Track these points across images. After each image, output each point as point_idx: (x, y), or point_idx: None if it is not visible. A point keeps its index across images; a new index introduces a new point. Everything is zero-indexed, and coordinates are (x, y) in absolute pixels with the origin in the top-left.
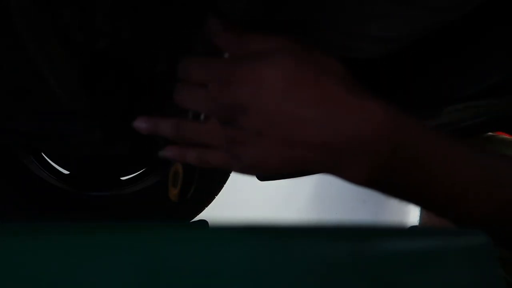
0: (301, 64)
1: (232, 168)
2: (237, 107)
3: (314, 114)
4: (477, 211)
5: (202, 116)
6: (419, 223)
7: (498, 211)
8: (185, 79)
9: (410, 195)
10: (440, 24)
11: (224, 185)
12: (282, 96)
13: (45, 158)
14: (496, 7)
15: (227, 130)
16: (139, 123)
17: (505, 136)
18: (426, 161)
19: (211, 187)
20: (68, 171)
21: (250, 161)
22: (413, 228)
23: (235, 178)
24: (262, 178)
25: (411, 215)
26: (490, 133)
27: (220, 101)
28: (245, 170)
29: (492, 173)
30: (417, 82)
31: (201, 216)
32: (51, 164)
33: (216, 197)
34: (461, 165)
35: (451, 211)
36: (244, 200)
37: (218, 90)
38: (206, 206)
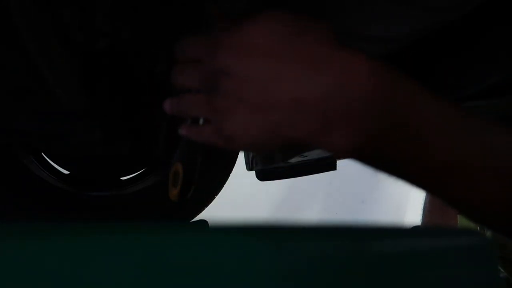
0: (282, 24)
1: (218, 143)
2: (219, 71)
3: (291, 71)
4: (480, 190)
5: (201, 121)
6: (421, 223)
7: (505, 190)
8: (181, 59)
9: (401, 168)
10: (440, 24)
11: (224, 185)
12: (263, 57)
13: (45, 158)
14: (496, 7)
15: (210, 98)
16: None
17: None
18: (421, 125)
19: (211, 187)
20: (68, 171)
21: (230, 132)
22: (415, 228)
23: (235, 178)
24: (262, 178)
25: (411, 215)
26: None
27: (206, 69)
28: (227, 143)
29: (498, 144)
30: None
31: (201, 216)
32: (51, 164)
33: (216, 197)
34: (463, 133)
35: (448, 190)
36: (244, 200)
37: (206, 60)
38: (206, 206)
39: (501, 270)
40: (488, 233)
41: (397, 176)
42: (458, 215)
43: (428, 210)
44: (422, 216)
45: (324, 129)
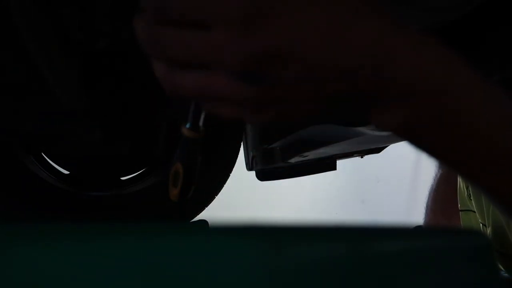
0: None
1: (250, 121)
2: (266, 54)
3: (365, 54)
4: None
5: (200, 123)
6: (424, 223)
7: None
8: (156, 12)
9: (445, 149)
10: (440, 24)
11: (224, 185)
12: (327, 35)
13: (45, 158)
14: (496, 7)
15: (248, 87)
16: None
17: None
18: (476, 110)
19: (211, 187)
20: (68, 171)
21: (277, 116)
22: (416, 228)
23: (235, 178)
24: (262, 178)
25: (411, 215)
26: None
27: (239, 48)
28: (283, 117)
29: None
30: None
31: (201, 216)
32: (51, 164)
33: (216, 197)
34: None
35: (494, 171)
36: (244, 200)
37: (235, 35)
38: (206, 206)
39: (500, 267)
40: (489, 231)
41: (443, 158)
42: (461, 215)
43: (430, 209)
44: (425, 216)
45: (378, 104)
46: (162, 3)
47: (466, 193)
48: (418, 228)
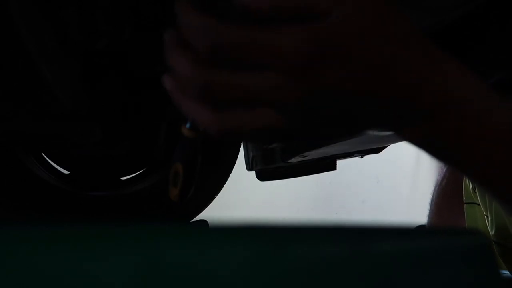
0: (383, 22)
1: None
2: (335, 51)
3: (408, 74)
4: None
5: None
6: (428, 223)
7: None
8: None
9: (464, 159)
10: (440, 24)
11: (224, 185)
12: (383, 39)
13: (45, 158)
14: (496, 7)
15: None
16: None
17: None
18: (493, 124)
19: (211, 187)
20: (68, 171)
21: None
22: (420, 227)
23: (235, 178)
24: (262, 178)
25: (411, 215)
26: None
27: (301, 90)
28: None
29: None
30: None
31: (201, 216)
32: (51, 164)
33: (216, 197)
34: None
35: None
36: (244, 200)
37: (300, 78)
38: (206, 206)
39: (502, 266)
40: (493, 232)
41: (461, 167)
42: (466, 208)
43: (435, 204)
44: (429, 211)
45: (405, 119)
46: (215, 41)
47: (471, 186)
48: (420, 228)
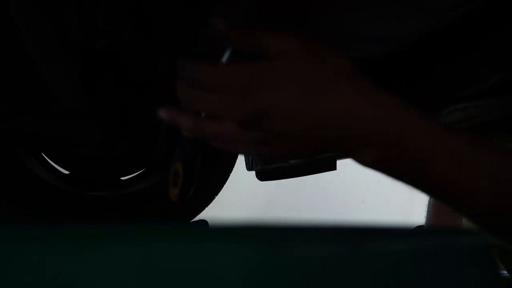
0: (314, 67)
1: (254, 157)
2: (257, 113)
3: (331, 115)
4: (473, 203)
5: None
6: (426, 223)
7: (493, 203)
8: (189, 79)
9: (411, 181)
10: (440, 24)
11: (224, 185)
12: (300, 101)
13: (45, 158)
14: (496, 7)
15: (249, 133)
16: (160, 113)
17: None
18: (426, 153)
19: (211, 187)
20: (68, 171)
21: (272, 157)
22: (418, 228)
23: (235, 178)
24: (262, 178)
25: (411, 215)
26: None
27: (239, 108)
28: (266, 162)
29: (491, 166)
30: (419, 82)
31: (201, 216)
32: (51, 164)
33: (216, 197)
34: (458, 158)
35: (449, 200)
36: (244, 200)
37: (238, 99)
38: (206, 206)
39: (501, 266)
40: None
41: (409, 185)
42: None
43: (433, 210)
44: (427, 216)
45: (356, 151)
46: (190, 75)
47: None
48: (419, 228)
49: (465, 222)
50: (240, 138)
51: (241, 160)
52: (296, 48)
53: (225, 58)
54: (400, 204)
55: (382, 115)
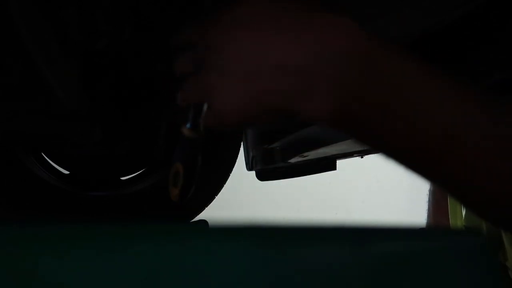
0: (273, 8)
1: (213, 123)
2: (205, 49)
3: (271, 39)
4: (483, 166)
5: (201, 123)
6: (426, 224)
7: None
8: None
9: (383, 136)
10: (440, 24)
11: (224, 185)
12: (244, 29)
13: (45, 158)
14: (496, 7)
15: (196, 77)
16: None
17: None
18: (404, 90)
19: (211, 187)
20: (68, 171)
21: (218, 108)
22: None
23: (235, 178)
24: (262, 178)
25: (411, 215)
26: None
27: (197, 50)
28: (219, 120)
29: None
30: None
31: (201, 216)
32: (51, 164)
33: (216, 197)
34: (455, 102)
35: (441, 169)
36: (244, 200)
37: (199, 43)
38: (206, 206)
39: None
40: (464, 216)
41: (380, 149)
42: (464, 216)
43: (432, 210)
44: (427, 217)
45: (305, 94)
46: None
47: None
48: (417, 229)
49: (466, 222)
50: (193, 84)
51: (241, 160)
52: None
53: None
54: (400, 204)
55: (347, 36)
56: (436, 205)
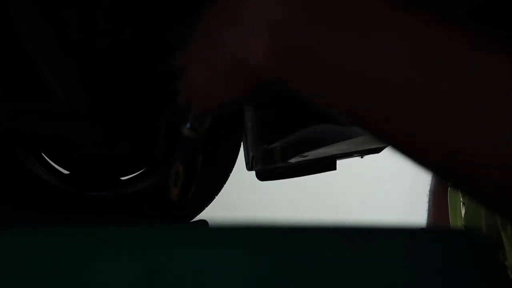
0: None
1: (194, 108)
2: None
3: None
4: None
5: (200, 123)
6: (426, 223)
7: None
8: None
9: (333, 89)
10: None
11: (224, 185)
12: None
13: (45, 158)
14: (496, 7)
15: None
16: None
17: None
18: (351, 20)
19: (211, 187)
20: (68, 171)
21: (190, 89)
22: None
23: (235, 178)
24: (262, 178)
25: (411, 215)
26: None
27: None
28: (195, 103)
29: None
30: None
31: (201, 216)
32: (51, 164)
33: (216, 197)
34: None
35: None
36: (244, 200)
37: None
38: (206, 206)
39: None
40: (464, 217)
41: (314, 97)
42: (464, 216)
43: (432, 210)
44: (427, 217)
45: (245, 36)
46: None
47: None
48: (417, 229)
49: (465, 222)
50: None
51: (241, 160)
52: None
53: None
54: (400, 204)
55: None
56: (436, 205)
